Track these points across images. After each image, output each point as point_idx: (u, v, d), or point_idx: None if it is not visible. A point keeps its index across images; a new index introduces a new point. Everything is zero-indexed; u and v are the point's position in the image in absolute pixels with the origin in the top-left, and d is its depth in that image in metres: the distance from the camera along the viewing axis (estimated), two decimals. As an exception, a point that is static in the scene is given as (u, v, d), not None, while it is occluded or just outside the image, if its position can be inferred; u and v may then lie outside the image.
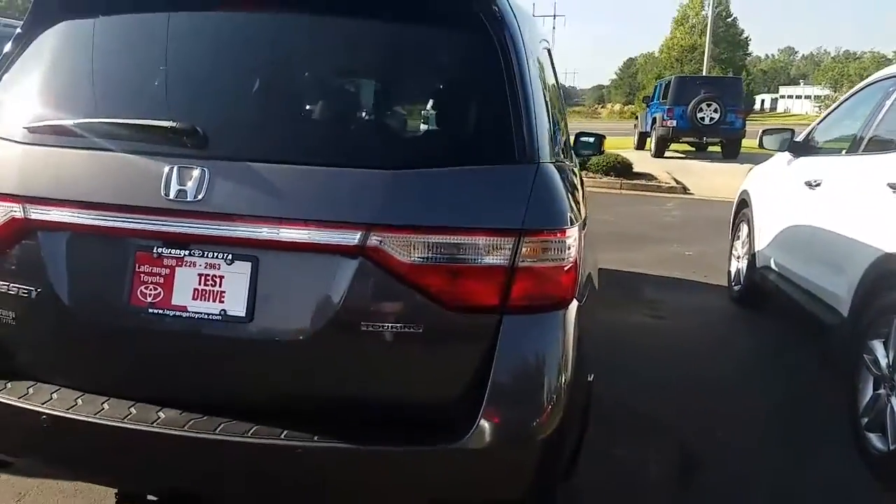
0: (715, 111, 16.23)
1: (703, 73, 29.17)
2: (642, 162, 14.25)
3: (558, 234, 1.73)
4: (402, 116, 1.91)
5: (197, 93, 1.86)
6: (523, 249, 1.68)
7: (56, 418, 1.71)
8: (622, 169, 12.54)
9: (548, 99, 2.08)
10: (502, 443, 1.68)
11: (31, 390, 1.80)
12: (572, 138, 4.29)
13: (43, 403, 1.75)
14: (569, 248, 1.75)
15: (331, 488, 1.73)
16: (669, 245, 7.41)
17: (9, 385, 1.82)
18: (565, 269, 1.75)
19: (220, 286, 1.72)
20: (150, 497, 1.85)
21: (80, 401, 1.76)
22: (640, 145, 19.50)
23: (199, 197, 1.67)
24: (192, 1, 1.91)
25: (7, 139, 1.85)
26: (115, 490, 1.96)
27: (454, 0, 1.85)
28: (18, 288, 1.80)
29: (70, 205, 1.75)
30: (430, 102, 1.91)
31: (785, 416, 3.30)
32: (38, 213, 1.77)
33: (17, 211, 1.77)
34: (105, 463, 1.78)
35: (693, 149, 18.26)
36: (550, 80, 2.60)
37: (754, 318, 4.90)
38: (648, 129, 18.36)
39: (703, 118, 16.34)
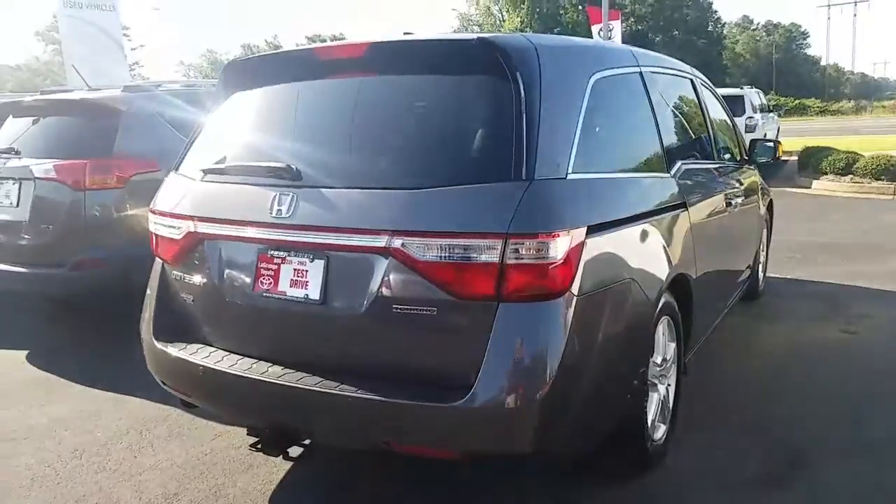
0: None
1: None
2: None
3: (542, 237, 2.11)
4: (425, 149, 2.39)
5: (295, 142, 2.58)
6: (510, 250, 2.10)
7: (208, 369, 2.52)
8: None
9: (576, 125, 2.42)
10: (494, 404, 2.11)
11: (197, 350, 2.64)
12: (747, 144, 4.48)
13: (202, 359, 2.57)
14: (555, 249, 2.12)
15: (363, 431, 2.30)
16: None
17: (188, 346, 2.68)
18: (552, 266, 2.12)
19: (305, 278, 2.39)
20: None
21: (224, 358, 2.55)
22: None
23: (289, 214, 2.36)
24: (301, 76, 2.65)
25: (189, 177, 2.75)
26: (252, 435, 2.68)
27: (479, 56, 2.34)
28: (193, 279, 2.67)
29: (220, 222, 2.56)
30: (447, 138, 2.39)
31: None
32: (203, 228, 2.61)
33: (191, 226, 2.63)
34: (235, 402, 2.55)
35: None
36: (614, 107, 2.88)
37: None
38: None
39: None
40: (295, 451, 2.63)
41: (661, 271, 2.72)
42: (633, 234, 2.58)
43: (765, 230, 5.41)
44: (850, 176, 11.72)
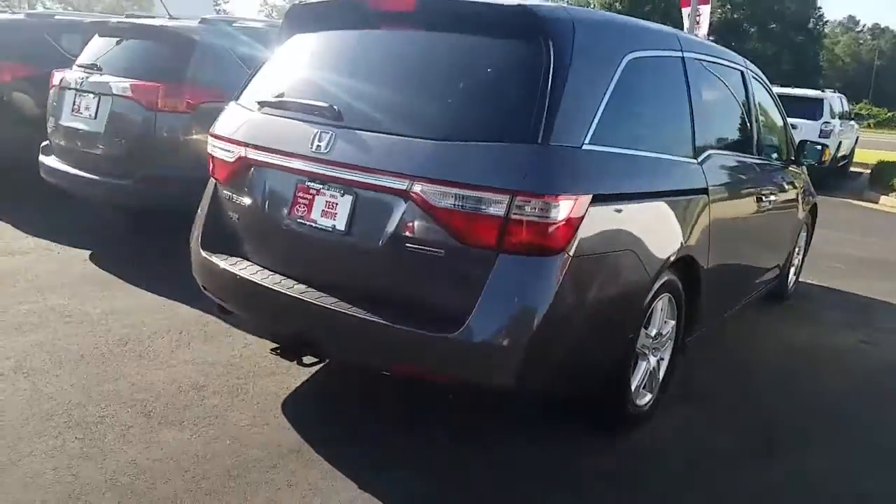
0: None
1: None
2: None
3: (546, 198, 2.32)
4: (454, 104, 2.58)
5: (341, 85, 2.82)
6: (514, 206, 2.31)
7: (244, 280, 2.83)
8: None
9: (601, 100, 2.59)
10: (482, 338, 2.36)
11: (236, 262, 2.95)
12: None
13: (239, 270, 2.88)
14: (556, 211, 2.32)
15: (369, 350, 2.58)
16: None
17: (229, 258, 2.99)
18: (552, 226, 2.33)
19: (335, 209, 2.66)
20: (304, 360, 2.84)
21: (258, 271, 2.86)
22: None
23: (327, 150, 2.62)
24: (353, 24, 2.90)
25: (246, 108, 3.03)
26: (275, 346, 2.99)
27: (518, 22, 2.54)
28: (239, 199, 2.98)
29: (268, 150, 2.84)
30: (476, 96, 2.58)
31: None
32: (253, 154, 2.90)
33: (242, 152, 2.92)
34: (262, 310, 2.86)
35: None
36: (660, 89, 3.05)
37: None
38: None
39: None
40: (310, 360, 2.93)
41: (665, 249, 2.88)
42: (640, 210, 2.76)
43: (803, 233, 5.43)
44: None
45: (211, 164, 3.15)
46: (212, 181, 3.19)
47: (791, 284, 5.48)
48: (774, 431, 3.25)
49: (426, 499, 2.53)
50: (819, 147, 4.78)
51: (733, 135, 3.86)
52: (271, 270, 2.86)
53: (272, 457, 2.67)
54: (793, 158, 4.75)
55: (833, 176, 13.64)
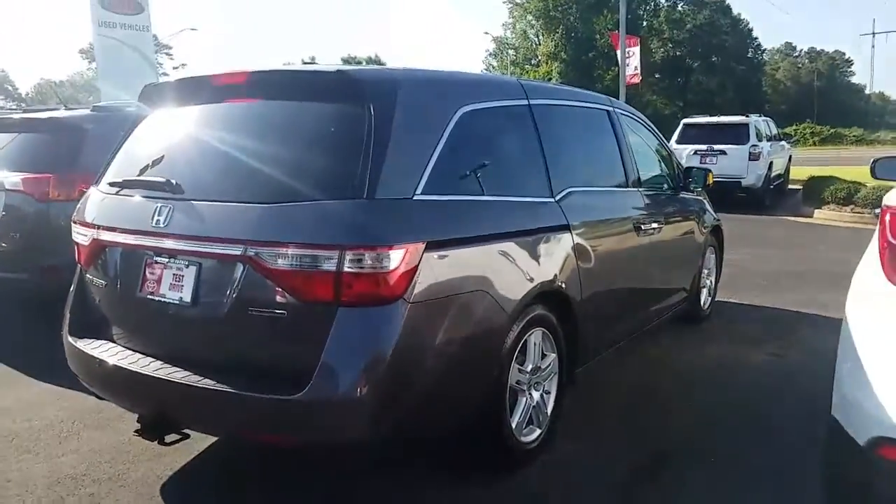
0: None
1: None
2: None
3: (376, 249, 2.36)
4: (284, 167, 2.61)
5: (181, 158, 2.88)
6: (347, 260, 2.35)
7: (103, 362, 2.81)
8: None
9: (432, 152, 2.67)
10: (327, 396, 2.36)
11: (99, 345, 2.93)
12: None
13: (100, 353, 2.87)
14: (387, 261, 2.36)
15: (221, 419, 2.57)
16: None
17: (93, 342, 2.97)
18: (384, 276, 2.37)
19: (181, 282, 2.67)
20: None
21: (117, 353, 2.84)
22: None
23: (166, 224, 2.65)
24: (196, 100, 2.97)
25: (101, 191, 3.07)
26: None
27: (340, 87, 2.63)
28: (98, 281, 2.98)
29: (115, 230, 2.87)
30: (304, 158, 2.64)
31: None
32: (104, 235, 2.92)
33: (95, 234, 2.94)
34: (122, 391, 2.84)
35: None
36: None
37: None
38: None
39: None
40: (172, 438, 2.88)
41: (522, 286, 2.92)
42: (486, 251, 2.80)
43: (710, 255, 5.54)
44: (852, 206, 11.70)
45: (76, 250, 3.16)
46: (78, 266, 3.19)
47: (706, 305, 5.56)
48: (656, 459, 3.26)
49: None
50: (703, 172, 4.94)
51: (600, 171, 3.97)
52: (131, 350, 2.85)
53: (141, 541, 2.61)
54: (681, 185, 4.89)
55: (770, 196, 13.98)
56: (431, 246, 2.52)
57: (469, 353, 2.71)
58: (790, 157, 16.94)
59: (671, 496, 2.94)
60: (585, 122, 3.96)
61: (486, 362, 2.80)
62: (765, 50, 72.86)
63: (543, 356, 3.18)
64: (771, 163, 13.74)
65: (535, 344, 3.10)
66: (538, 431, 3.16)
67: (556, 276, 3.16)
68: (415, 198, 2.56)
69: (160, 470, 3.13)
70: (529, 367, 3.08)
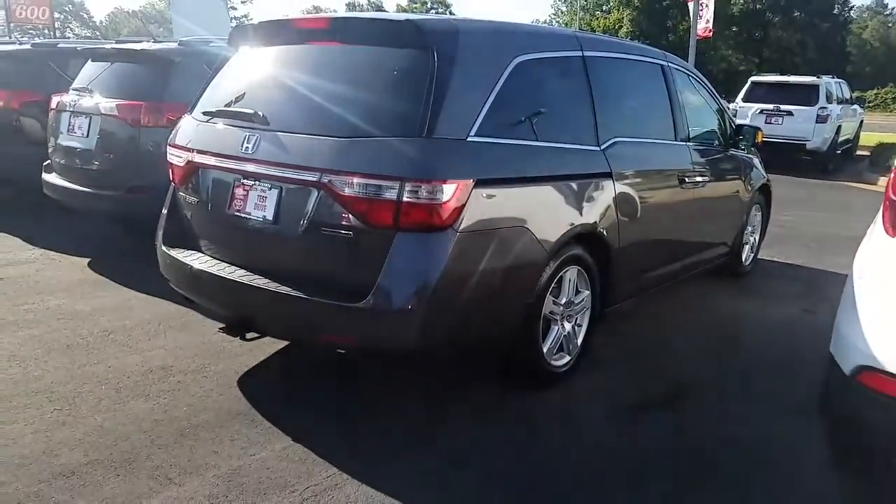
0: None
1: None
2: None
3: (432, 183, 2.69)
4: (356, 106, 2.94)
5: (267, 94, 3.24)
6: (405, 191, 2.70)
7: (194, 269, 3.25)
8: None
9: (487, 98, 2.96)
10: (382, 306, 2.74)
11: (190, 254, 3.38)
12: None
13: (191, 261, 3.31)
14: (441, 193, 2.70)
15: (294, 322, 2.98)
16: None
17: (185, 251, 3.42)
18: (438, 206, 2.71)
19: (265, 202, 3.07)
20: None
21: (206, 261, 3.28)
22: None
23: (253, 151, 3.03)
24: (281, 41, 3.32)
25: (195, 119, 3.47)
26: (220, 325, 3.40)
27: (408, 34, 2.93)
28: (190, 199, 3.41)
29: (209, 154, 3.27)
30: (374, 98, 2.96)
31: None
32: (198, 158, 3.33)
33: (190, 157, 3.36)
34: (209, 294, 3.28)
35: None
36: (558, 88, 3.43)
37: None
38: None
39: None
40: (251, 336, 3.32)
41: (561, 227, 3.22)
42: (530, 192, 3.11)
43: (756, 213, 5.71)
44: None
45: (170, 170, 3.59)
46: (171, 185, 3.63)
47: (747, 261, 5.75)
48: (674, 389, 3.58)
49: (356, 438, 2.93)
50: (754, 130, 5.09)
51: (648, 123, 4.18)
52: (218, 259, 3.28)
53: (221, 419, 3.08)
54: (731, 143, 5.05)
55: (835, 160, 13.73)
56: (480, 183, 2.83)
57: (508, 281, 3.04)
58: (861, 121, 16.48)
59: (686, 418, 3.27)
60: (638, 76, 4.16)
61: (523, 291, 3.13)
62: (853, 7, 69.20)
63: (578, 292, 3.50)
64: (839, 127, 13.45)
65: (570, 280, 3.42)
66: (567, 358, 3.50)
67: (595, 220, 3.44)
68: (468, 139, 2.87)
69: (237, 366, 3.61)
70: (563, 301, 3.40)
